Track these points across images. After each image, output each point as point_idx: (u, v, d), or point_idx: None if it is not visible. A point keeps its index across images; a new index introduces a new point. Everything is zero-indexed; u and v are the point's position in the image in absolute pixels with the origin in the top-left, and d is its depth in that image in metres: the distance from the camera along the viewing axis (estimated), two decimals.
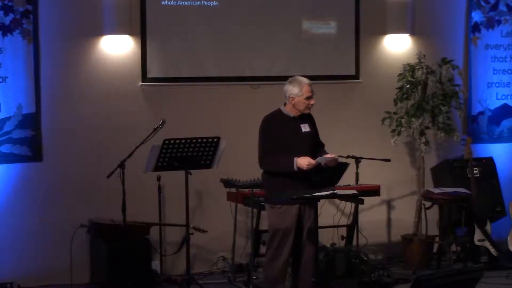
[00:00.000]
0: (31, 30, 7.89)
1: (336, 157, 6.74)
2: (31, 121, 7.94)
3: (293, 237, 6.72)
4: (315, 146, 6.85)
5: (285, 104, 6.81)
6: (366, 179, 8.29)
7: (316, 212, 6.85)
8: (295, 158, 6.59)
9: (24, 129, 7.92)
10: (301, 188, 6.66)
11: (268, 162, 6.70)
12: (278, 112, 6.82)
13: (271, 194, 6.80)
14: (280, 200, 6.65)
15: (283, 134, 6.72)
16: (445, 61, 8.69)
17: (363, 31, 8.91)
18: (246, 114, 8.34)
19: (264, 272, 7.07)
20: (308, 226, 6.77)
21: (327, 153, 6.76)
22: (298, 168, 6.57)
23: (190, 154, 7.25)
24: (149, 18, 8.25)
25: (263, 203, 7.14)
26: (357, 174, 8.20)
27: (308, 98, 6.73)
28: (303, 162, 6.57)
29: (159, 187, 8.03)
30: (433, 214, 8.70)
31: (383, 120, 8.67)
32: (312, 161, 6.59)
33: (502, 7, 9.32)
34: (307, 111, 6.79)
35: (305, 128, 6.80)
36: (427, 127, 8.66)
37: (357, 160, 8.22)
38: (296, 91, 6.71)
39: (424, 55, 8.68)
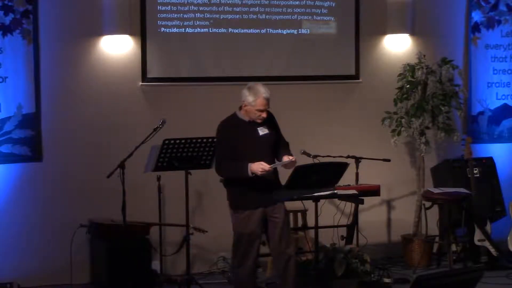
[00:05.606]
0: (31, 30, 7.90)
1: (293, 159, 6.56)
2: (31, 121, 7.94)
3: (259, 242, 6.67)
4: (276, 148, 6.69)
5: (240, 108, 6.66)
6: (366, 179, 8.29)
7: (285, 214, 6.74)
8: (249, 164, 6.45)
9: (24, 129, 7.92)
10: (266, 191, 6.54)
11: (223, 169, 6.59)
12: (233, 117, 6.67)
13: (235, 201, 6.68)
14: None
15: (239, 140, 6.57)
16: (445, 61, 8.69)
17: (363, 31, 8.92)
18: None
19: (232, 278, 6.98)
20: (280, 228, 6.66)
21: (287, 155, 6.60)
22: (253, 173, 6.45)
23: (190, 154, 7.25)
24: (149, 18, 8.26)
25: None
26: (357, 174, 8.21)
27: (260, 110, 6.55)
28: (257, 168, 6.42)
29: (159, 187, 8.03)
30: (433, 214, 8.71)
31: (383, 120, 8.67)
32: (266, 167, 6.44)
33: (502, 7, 9.33)
34: (258, 121, 6.59)
35: (262, 131, 6.62)
36: (427, 127, 8.66)
37: (357, 160, 8.22)
38: (250, 99, 6.51)
39: (424, 55, 8.69)
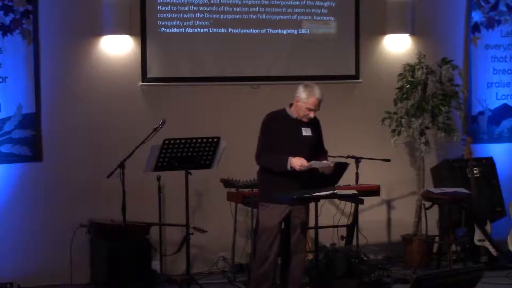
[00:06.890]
0: (31, 30, 7.90)
1: (332, 165, 6.70)
2: (31, 121, 7.94)
3: (281, 236, 6.72)
4: (315, 152, 6.80)
5: (291, 105, 6.80)
6: (366, 179, 8.29)
7: (307, 213, 6.86)
8: (289, 157, 6.58)
9: (24, 129, 7.93)
10: (294, 188, 6.65)
11: (263, 157, 6.71)
12: (282, 111, 6.82)
13: (263, 192, 6.81)
14: (280, 199, 6.64)
15: (282, 133, 6.71)
16: (445, 61, 8.69)
17: (363, 31, 8.91)
18: (246, 114, 8.34)
19: (253, 270, 7.02)
20: (299, 227, 6.77)
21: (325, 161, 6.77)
22: (291, 167, 6.57)
23: (190, 154, 7.25)
24: (149, 18, 8.26)
25: None
26: (357, 174, 8.21)
27: (309, 109, 6.70)
28: (296, 162, 6.56)
29: (159, 187, 8.03)
30: (433, 214, 8.71)
31: (383, 120, 8.68)
32: (305, 163, 6.56)
33: (502, 7, 9.33)
34: (304, 120, 6.74)
35: (306, 132, 6.76)
36: (427, 127, 8.66)
37: (357, 160, 8.22)
38: (303, 96, 6.68)
39: (424, 55, 8.69)
